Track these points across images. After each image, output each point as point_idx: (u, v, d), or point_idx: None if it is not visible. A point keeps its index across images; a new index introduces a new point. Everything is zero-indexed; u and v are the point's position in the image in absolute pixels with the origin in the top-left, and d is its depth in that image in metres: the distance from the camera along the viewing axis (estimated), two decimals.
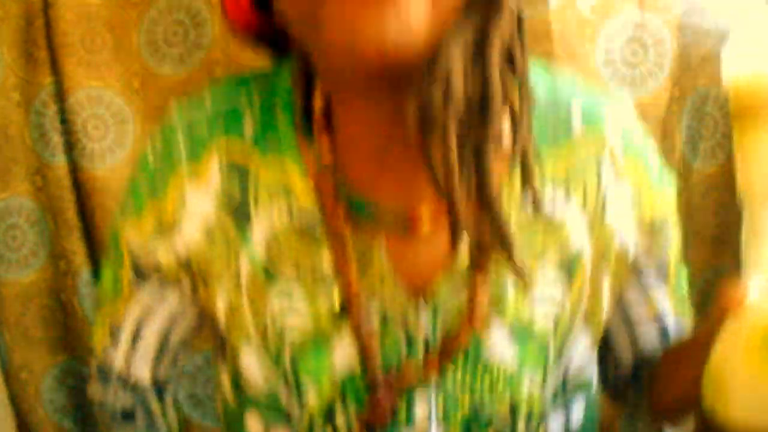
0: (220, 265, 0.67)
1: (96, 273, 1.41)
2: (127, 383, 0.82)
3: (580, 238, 0.66)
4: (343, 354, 0.65)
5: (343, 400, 0.65)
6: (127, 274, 0.74)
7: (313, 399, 0.66)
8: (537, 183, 0.62)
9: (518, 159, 0.59)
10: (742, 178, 0.58)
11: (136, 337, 0.78)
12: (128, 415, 0.82)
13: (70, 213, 1.39)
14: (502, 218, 0.57)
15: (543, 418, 0.67)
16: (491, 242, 0.58)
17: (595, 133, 0.67)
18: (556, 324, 0.67)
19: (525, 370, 0.66)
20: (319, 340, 0.65)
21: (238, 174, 0.66)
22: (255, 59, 1.33)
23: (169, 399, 0.85)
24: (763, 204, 0.57)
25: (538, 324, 0.66)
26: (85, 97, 1.36)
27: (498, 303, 0.65)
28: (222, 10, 0.73)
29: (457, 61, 0.54)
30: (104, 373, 0.83)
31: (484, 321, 0.64)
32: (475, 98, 0.56)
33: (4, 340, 1.42)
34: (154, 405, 0.82)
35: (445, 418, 0.65)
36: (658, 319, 0.76)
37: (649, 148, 0.72)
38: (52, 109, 1.37)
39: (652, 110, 1.33)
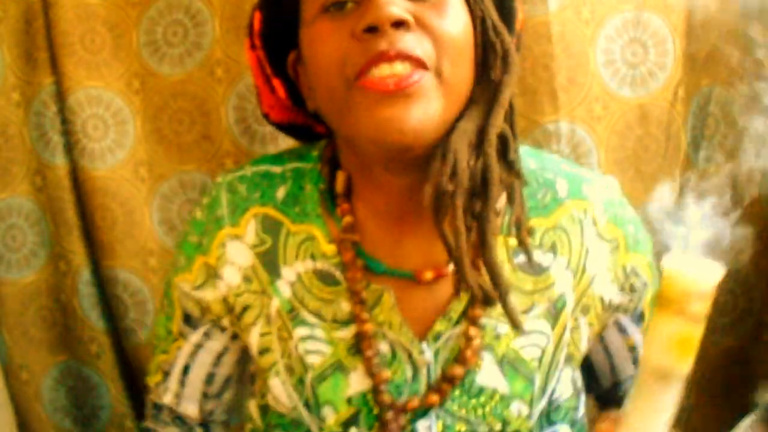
0: (254, 304, 0.81)
1: (95, 273, 1.41)
2: (177, 416, 0.92)
3: (564, 290, 0.80)
4: (357, 381, 0.77)
5: (357, 422, 0.77)
6: (177, 322, 0.88)
7: (330, 419, 0.78)
8: (529, 246, 0.75)
9: (514, 226, 0.74)
10: (644, 350, 0.67)
11: (185, 372, 0.90)
12: None
13: (70, 213, 1.39)
14: (500, 273, 0.71)
15: None
16: (491, 291, 0.72)
17: (578, 204, 0.82)
18: (542, 360, 0.79)
19: (513, 398, 0.78)
20: (336, 369, 0.78)
21: (271, 231, 0.82)
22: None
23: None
24: (652, 376, 0.65)
25: (526, 360, 0.78)
26: (85, 97, 1.36)
27: (490, 341, 0.78)
28: (258, 103, 0.89)
29: (462, 148, 0.70)
30: (158, 409, 0.93)
31: (475, 356, 0.77)
32: (477, 176, 0.71)
33: (4, 340, 1.42)
34: None
35: None
36: (633, 349, 0.89)
37: (627, 215, 0.86)
38: (51, 110, 1.37)
39: (653, 110, 1.32)
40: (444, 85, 0.70)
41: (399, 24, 0.68)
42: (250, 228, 0.82)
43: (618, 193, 0.88)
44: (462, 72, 0.72)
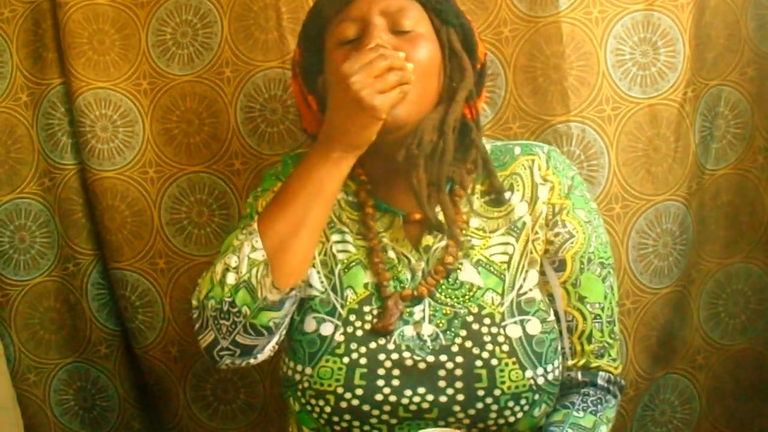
0: None
1: (104, 274, 1.42)
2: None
3: (522, 215, 1.10)
4: (372, 275, 1.09)
5: (370, 302, 1.07)
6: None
7: (351, 299, 1.08)
8: (498, 185, 1.10)
9: (484, 176, 1.10)
10: None
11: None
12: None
13: (79, 214, 1.39)
14: (449, 209, 1.05)
15: (501, 322, 1.04)
16: (441, 222, 1.05)
17: (528, 157, 1.12)
18: (509, 263, 1.08)
19: (488, 289, 1.06)
20: (358, 263, 1.10)
21: None
22: (263, 60, 1.34)
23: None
24: None
25: (495, 263, 1.08)
26: (93, 98, 1.36)
27: (467, 251, 1.08)
28: (300, 121, 1.21)
29: (427, 128, 1.03)
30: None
31: (455, 260, 1.07)
32: (437, 148, 1.04)
33: (12, 342, 1.42)
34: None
35: (434, 318, 1.06)
36: (550, 299, 1.10)
37: (567, 172, 1.11)
38: (60, 110, 1.38)
39: (663, 111, 1.32)
40: (415, 93, 1.00)
41: None
42: None
43: (561, 157, 1.14)
44: (429, 84, 1.05)
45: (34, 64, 1.38)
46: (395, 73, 0.97)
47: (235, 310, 0.99)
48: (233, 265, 1.00)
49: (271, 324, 1.01)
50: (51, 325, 1.43)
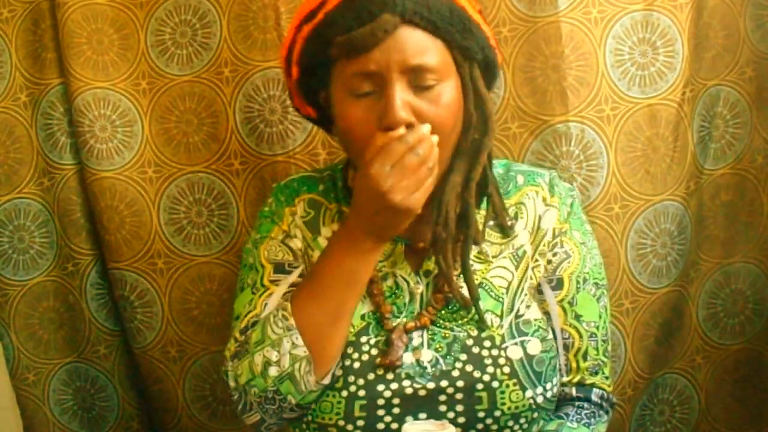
0: (306, 253, 1.12)
1: (103, 274, 1.42)
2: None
3: (524, 243, 1.11)
4: (368, 304, 1.07)
5: (367, 332, 1.06)
6: (268, 275, 1.11)
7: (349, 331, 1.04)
8: (505, 221, 1.10)
9: (493, 213, 1.10)
10: None
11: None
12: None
13: (78, 214, 1.39)
14: (474, 286, 1.05)
15: (502, 344, 1.04)
16: (468, 299, 1.05)
17: (532, 188, 1.13)
18: (508, 288, 1.08)
19: (486, 311, 1.06)
20: None
21: (314, 207, 1.14)
22: (262, 60, 1.34)
23: None
24: None
25: (495, 288, 1.08)
26: (92, 97, 1.36)
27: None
28: (291, 101, 1.16)
29: (451, 199, 1.02)
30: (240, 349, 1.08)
31: (451, 287, 1.05)
32: (460, 219, 1.04)
33: (12, 342, 1.42)
34: None
35: (432, 343, 1.05)
36: (546, 314, 1.10)
37: (567, 199, 1.13)
38: (59, 110, 1.38)
39: (662, 111, 1.32)
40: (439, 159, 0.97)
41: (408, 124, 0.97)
42: (300, 206, 1.14)
43: (562, 183, 1.15)
44: (451, 139, 1.01)
45: (33, 64, 1.38)
46: (427, 167, 0.95)
47: (281, 397, 1.02)
48: (274, 359, 1.01)
49: (315, 398, 1.04)
50: (50, 325, 1.43)
